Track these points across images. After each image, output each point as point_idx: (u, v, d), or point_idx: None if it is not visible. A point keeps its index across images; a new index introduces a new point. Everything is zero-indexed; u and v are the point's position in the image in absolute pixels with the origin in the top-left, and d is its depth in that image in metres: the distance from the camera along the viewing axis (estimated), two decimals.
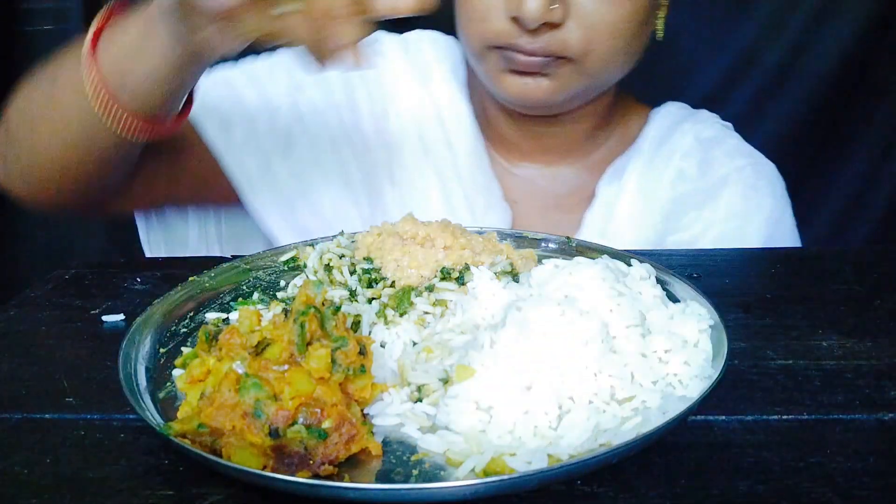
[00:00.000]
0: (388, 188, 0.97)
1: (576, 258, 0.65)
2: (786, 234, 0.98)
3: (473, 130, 0.99)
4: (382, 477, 0.48)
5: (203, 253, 1.00)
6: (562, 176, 1.01)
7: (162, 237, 0.99)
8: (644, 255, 0.71)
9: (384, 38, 1.03)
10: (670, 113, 1.04)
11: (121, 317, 0.71)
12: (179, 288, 0.70)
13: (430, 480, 0.47)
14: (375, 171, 0.97)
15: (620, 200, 0.96)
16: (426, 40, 1.04)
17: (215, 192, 0.95)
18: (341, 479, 0.47)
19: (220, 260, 0.78)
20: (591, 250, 0.77)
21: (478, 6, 0.85)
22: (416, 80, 1.00)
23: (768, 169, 1.01)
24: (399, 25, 0.97)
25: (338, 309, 0.53)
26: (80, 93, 0.72)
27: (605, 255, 0.71)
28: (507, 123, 0.99)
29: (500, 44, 0.85)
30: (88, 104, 0.72)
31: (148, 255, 1.00)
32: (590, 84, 0.89)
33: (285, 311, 0.53)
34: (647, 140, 1.00)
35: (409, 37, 1.04)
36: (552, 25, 0.82)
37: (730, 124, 1.06)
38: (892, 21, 1.35)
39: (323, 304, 0.53)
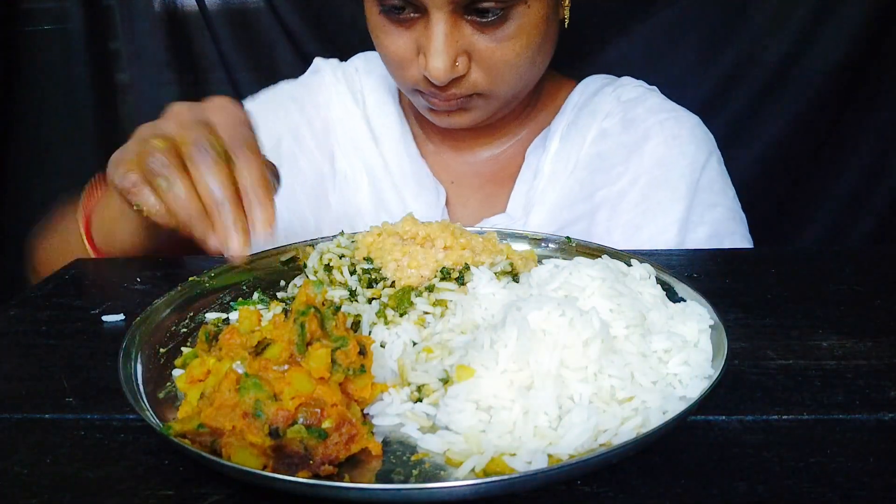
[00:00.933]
0: (329, 188, 1.08)
1: (576, 258, 0.65)
2: (714, 181, 1.01)
3: (399, 127, 1.08)
4: (382, 477, 0.48)
5: None
6: (495, 153, 1.09)
7: None
8: (644, 255, 0.71)
9: (324, 66, 1.13)
10: (594, 81, 1.09)
11: (121, 317, 0.71)
12: (179, 288, 0.70)
13: (430, 480, 0.47)
14: (321, 178, 1.08)
15: (547, 164, 1.02)
16: (359, 60, 1.14)
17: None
18: (341, 479, 0.47)
19: (220, 260, 0.78)
20: (591, 250, 0.77)
21: (394, 57, 0.91)
22: (349, 95, 1.10)
23: (691, 120, 1.03)
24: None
25: (338, 309, 0.53)
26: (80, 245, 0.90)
27: (605, 255, 0.71)
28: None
29: (417, 88, 0.92)
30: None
31: None
32: (505, 104, 0.96)
33: (285, 311, 0.53)
34: (570, 106, 1.06)
35: (352, 60, 1.15)
36: (459, 76, 0.88)
37: (655, 87, 1.09)
38: (892, 21, 1.35)
39: (323, 304, 0.53)
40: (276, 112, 1.10)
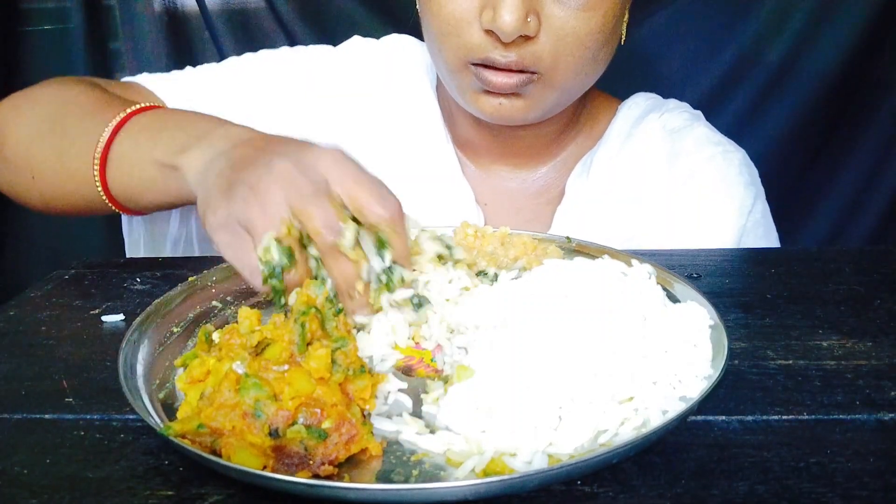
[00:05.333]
0: None
1: (576, 258, 0.65)
2: (758, 224, 0.97)
3: (444, 134, 1.00)
4: (382, 477, 0.48)
5: (181, 249, 1.00)
6: (531, 176, 1.02)
7: (143, 232, 0.99)
8: (644, 255, 0.71)
9: (360, 43, 1.05)
10: (637, 105, 1.03)
11: (121, 317, 0.71)
12: (179, 288, 0.70)
13: (430, 480, 0.47)
14: None
15: (589, 196, 0.97)
16: (400, 45, 1.05)
17: None
18: (341, 479, 0.47)
19: (220, 260, 0.78)
20: (591, 250, 0.77)
21: (450, 20, 0.84)
22: (390, 83, 1.02)
23: (738, 157, 0.99)
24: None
25: (339, 311, 0.53)
26: (88, 181, 0.80)
27: (606, 255, 0.71)
28: (474, 129, 0.99)
29: (474, 59, 0.84)
30: (95, 190, 0.80)
31: (128, 249, 1.01)
32: (560, 98, 0.89)
33: (285, 312, 0.53)
34: (614, 133, 1.00)
35: (386, 41, 1.06)
36: (526, 38, 0.82)
37: (699, 112, 1.04)
38: (892, 21, 1.35)
39: (323, 304, 0.53)
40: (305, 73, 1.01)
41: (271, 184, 0.58)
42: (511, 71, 0.84)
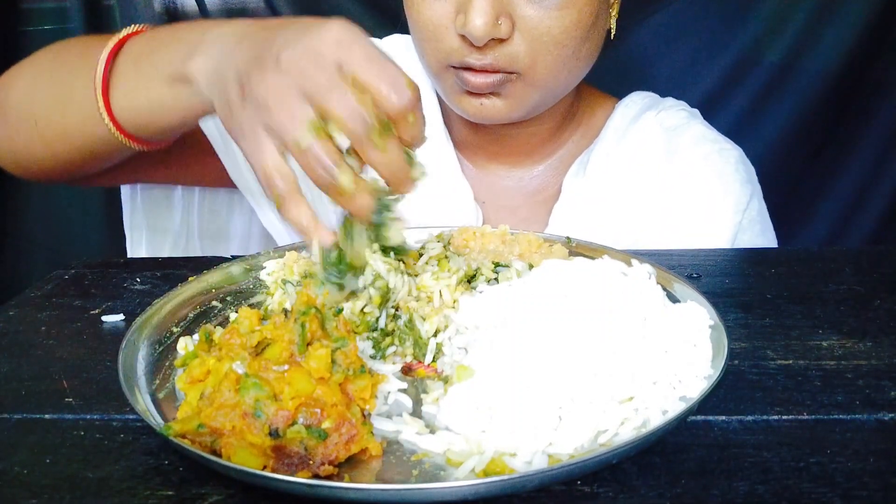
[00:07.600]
0: None
1: (576, 258, 0.65)
2: (754, 222, 0.97)
3: (443, 134, 1.01)
4: (382, 477, 0.48)
5: (182, 244, 1.00)
6: (528, 174, 1.02)
7: (144, 228, 0.99)
8: (644, 255, 0.71)
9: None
10: (634, 103, 1.03)
11: (121, 317, 0.71)
12: (179, 288, 0.70)
13: (430, 480, 0.47)
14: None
15: (586, 193, 0.97)
16: (402, 45, 1.05)
17: (207, 173, 0.97)
18: (341, 479, 0.47)
19: (220, 260, 0.78)
20: (591, 250, 0.77)
21: (428, 25, 0.85)
22: None
23: (735, 155, 0.99)
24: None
25: (339, 311, 0.53)
26: (93, 114, 0.76)
27: (606, 256, 0.71)
28: (469, 129, 1.00)
29: (452, 62, 0.85)
30: (101, 122, 0.76)
31: (129, 247, 1.00)
32: (543, 96, 0.89)
33: (285, 311, 0.53)
34: (611, 131, 1.00)
35: (388, 41, 1.06)
36: (500, 40, 0.82)
37: (696, 111, 1.04)
38: (892, 21, 1.35)
39: (323, 304, 0.53)
40: None
41: (285, 83, 0.57)
42: (488, 72, 0.84)
